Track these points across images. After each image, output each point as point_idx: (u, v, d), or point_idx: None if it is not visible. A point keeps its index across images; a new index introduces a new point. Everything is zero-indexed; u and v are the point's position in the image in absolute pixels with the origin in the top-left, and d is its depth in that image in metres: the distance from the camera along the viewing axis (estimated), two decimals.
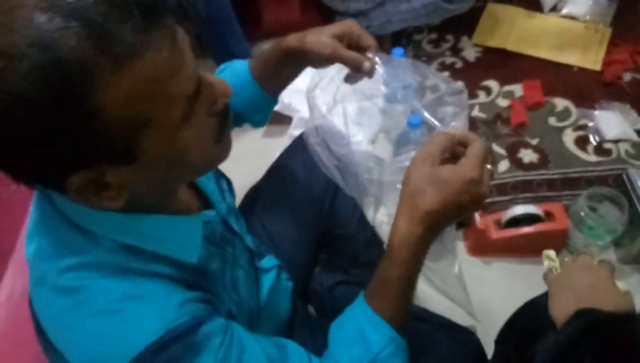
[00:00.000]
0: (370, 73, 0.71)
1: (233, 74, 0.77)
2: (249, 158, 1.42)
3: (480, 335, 1.02)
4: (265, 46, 1.66)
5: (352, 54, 0.69)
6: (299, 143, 1.02)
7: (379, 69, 0.73)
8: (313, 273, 1.08)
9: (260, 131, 1.50)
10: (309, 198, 1.00)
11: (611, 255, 1.12)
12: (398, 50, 1.21)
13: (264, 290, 0.77)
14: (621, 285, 0.59)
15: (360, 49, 0.71)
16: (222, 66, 0.81)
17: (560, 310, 0.56)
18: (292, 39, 0.70)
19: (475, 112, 1.31)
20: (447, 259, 1.10)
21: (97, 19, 0.39)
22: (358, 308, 0.60)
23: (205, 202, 0.67)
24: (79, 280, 0.48)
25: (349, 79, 0.77)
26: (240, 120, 0.82)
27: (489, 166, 0.57)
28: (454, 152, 0.59)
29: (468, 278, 1.13)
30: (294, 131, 1.28)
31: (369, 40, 0.72)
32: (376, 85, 1.28)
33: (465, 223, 1.17)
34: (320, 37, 0.69)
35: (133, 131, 0.42)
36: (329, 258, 1.08)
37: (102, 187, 0.45)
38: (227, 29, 1.31)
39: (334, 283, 1.01)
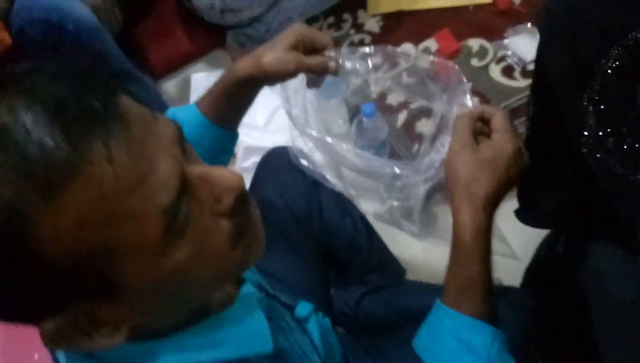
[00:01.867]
0: (337, 71, 0.68)
1: (185, 125, 0.70)
2: None
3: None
4: (167, 84, 1.54)
5: (316, 60, 0.66)
6: (261, 171, 0.97)
7: (347, 63, 0.71)
8: (330, 295, 1.04)
9: None
10: (296, 222, 0.95)
11: None
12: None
13: (316, 339, 0.72)
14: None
15: (317, 50, 0.68)
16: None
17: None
18: (245, 66, 0.65)
19: (405, 79, 1.32)
20: None
21: (17, 145, 0.31)
22: (446, 319, 0.56)
23: None
24: None
25: (312, 84, 0.73)
26: None
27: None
28: (475, 130, 0.58)
29: None
30: (244, 163, 1.21)
31: (324, 39, 0.68)
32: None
33: None
34: (277, 55, 0.64)
35: (96, 264, 0.34)
36: (339, 275, 1.05)
37: (93, 325, 0.37)
38: (133, 83, 1.19)
39: (359, 297, 0.98)
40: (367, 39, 1.43)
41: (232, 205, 0.40)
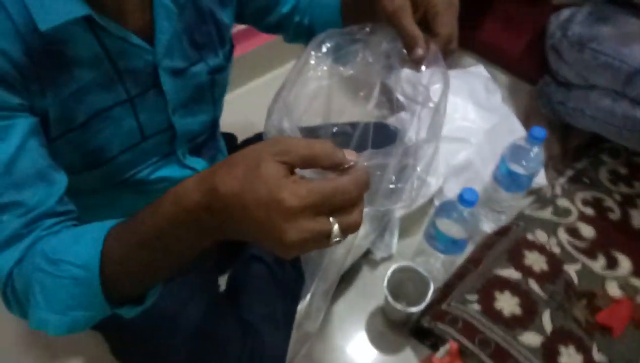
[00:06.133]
0: (417, 63, 0.55)
1: None
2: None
3: None
4: None
5: (413, 29, 0.53)
6: None
7: (424, 70, 0.56)
8: None
9: None
10: None
11: None
12: (539, 131, 0.93)
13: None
14: None
15: (431, 30, 0.55)
16: None
17: None
18: None
19: (568, 268, 0.97)
20: None
21: None
22: (98, 227, 0.45)
23: None
24: None
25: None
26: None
27: (335, 227, 0.36)
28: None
29: None
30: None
31: (445, 27, 0.54)
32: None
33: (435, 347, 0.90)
34: None
35: None
36: None
37: None
38: None
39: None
40: (616, 215, 1.06)
41: None
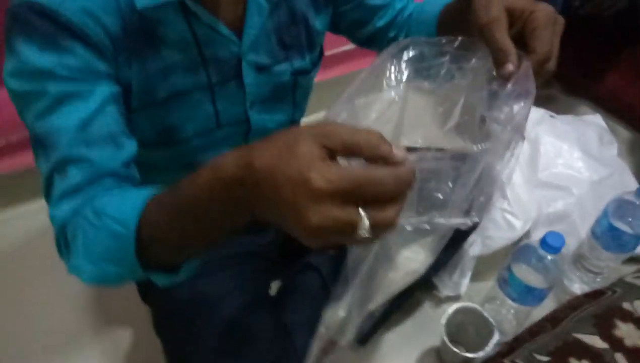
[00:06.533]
0: (505, 80, 0.51)
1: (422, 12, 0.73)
2: None
3: None
4: None
5: (505, 42, 0.50)
6: None
7: (511, 88, 0.52)
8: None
9: None
10: None
11: None
12: None
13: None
14: None
15: (527, 46, 0.51)
16: None
17: None
18: None
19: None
20: None
21: None
22: (146, 191, 0.47)
23: None
24: None
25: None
26: None
27: (365, 221, 0.34)
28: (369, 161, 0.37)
29: None
30: None
31: (542, 44, 0.50)
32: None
33: None
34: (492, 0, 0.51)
35: None
36: None
37: None
38: None
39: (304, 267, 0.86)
40: None
41: None
